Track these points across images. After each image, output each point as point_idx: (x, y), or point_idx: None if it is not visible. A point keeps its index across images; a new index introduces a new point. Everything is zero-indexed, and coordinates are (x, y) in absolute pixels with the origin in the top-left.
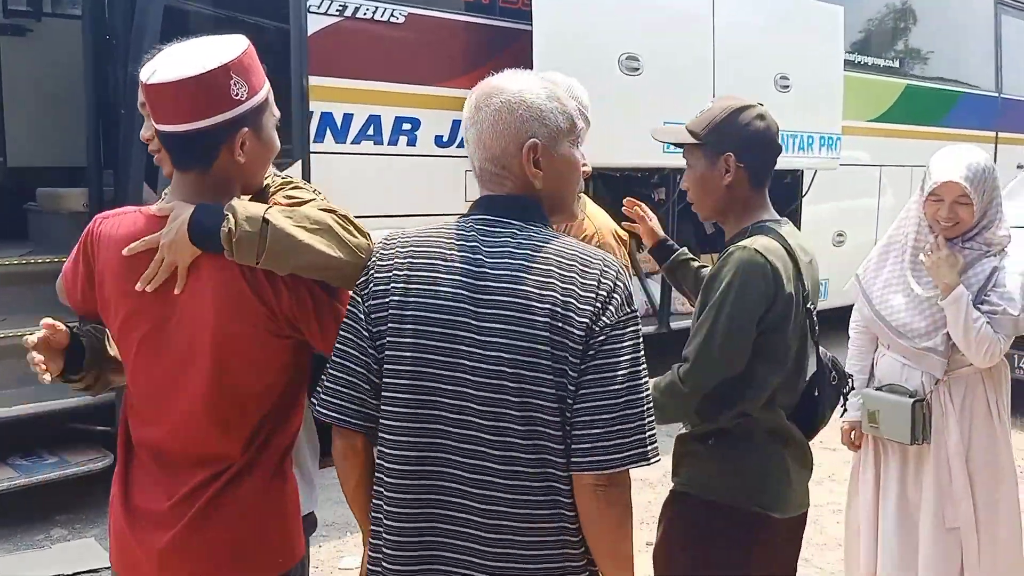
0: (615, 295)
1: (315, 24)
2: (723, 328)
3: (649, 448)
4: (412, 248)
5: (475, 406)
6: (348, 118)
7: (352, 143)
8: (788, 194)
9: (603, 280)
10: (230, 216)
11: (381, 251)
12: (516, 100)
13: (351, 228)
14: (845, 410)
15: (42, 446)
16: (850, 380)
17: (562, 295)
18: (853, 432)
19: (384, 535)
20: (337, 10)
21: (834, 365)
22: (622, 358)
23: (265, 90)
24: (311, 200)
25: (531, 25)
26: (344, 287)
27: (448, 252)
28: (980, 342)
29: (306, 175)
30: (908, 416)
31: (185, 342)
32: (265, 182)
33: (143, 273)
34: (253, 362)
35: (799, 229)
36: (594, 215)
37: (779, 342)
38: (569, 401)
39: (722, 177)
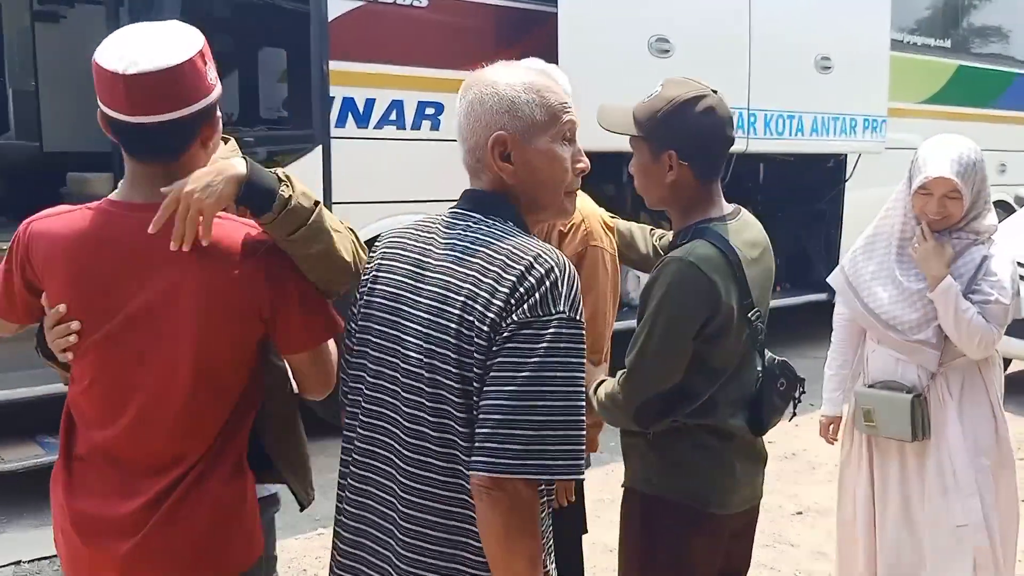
0: (536, 293)
1: (337, 8)
2: (656, 343)
3: (557, 463)
4: (388, 241)
5: (403, 394)
6: (370, 103)
7: (374, 128)
8: (831, 178)
9: (527, 276)
10: (289, 184)
11: (376, 245)
12: (488, 92)
13: (359, 243)
14: (795, 414)
15: None
16: (801, 384)
17: (478, 288)
18: (832, 426)
19: (341, 516)
20: None
21: (783, 371)
22: (529, 359)
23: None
24: None
25: (557, 7)
26: (327, 293)
27: (410, 244)
28: (972, 333)
29: (327, 161)
30: (907, 412)
31: (154, 339)
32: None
33: (101, 268)
34: (233, 356)
35: (841, 215)
36: (580, 201)
37: (716, 354)
38: (475, 398)
39: (665, 173)
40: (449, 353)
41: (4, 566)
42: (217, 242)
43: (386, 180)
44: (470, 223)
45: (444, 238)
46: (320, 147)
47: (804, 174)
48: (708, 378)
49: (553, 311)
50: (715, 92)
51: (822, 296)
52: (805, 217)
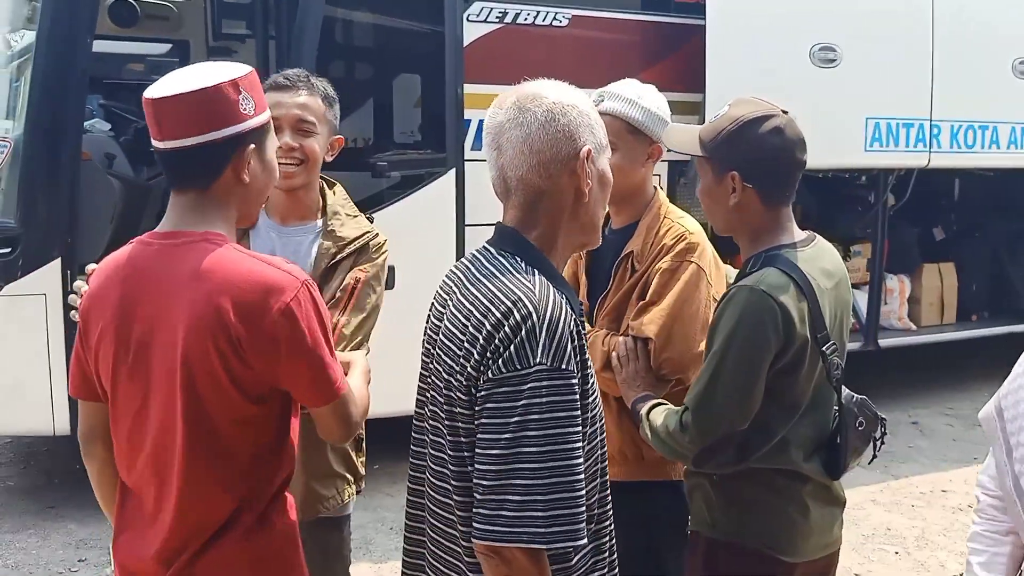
0: (511, 345)
1: (474, 32)
2: (728, 377)
3: (550, 530)
4: (445, 275)
5: (427, 435)
6: None
7: None
8: None
9: (503, 325)
10: None
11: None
12: (568, 104)
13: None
14: (875, 456)
15: None
16: (882, 423)
17: (464, 336)
18: None
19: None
20: (497, 17)
21: (861, 409)
22: (509, 420)
23: (268, 114)
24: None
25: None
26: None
27: (447, 282)
28: None
29: (460, 183)
30: None
31: (154, 371)
32: (367, 235)
33: (127, 296)
34: (224, 401)
35: None
36: (681, 216)
37: (789, 389)
38: (466, 452)
39: (728, 196)
40: (443, 404)
41: None
42: (231, 278)
43: None
44: (484, 259)
45: (463, 276)
46: (453, 170)
47: (1007, 190)
48: (781, 416)
49: (531, 364)
50: (785, 112)
51: None
52: (1008, 238)
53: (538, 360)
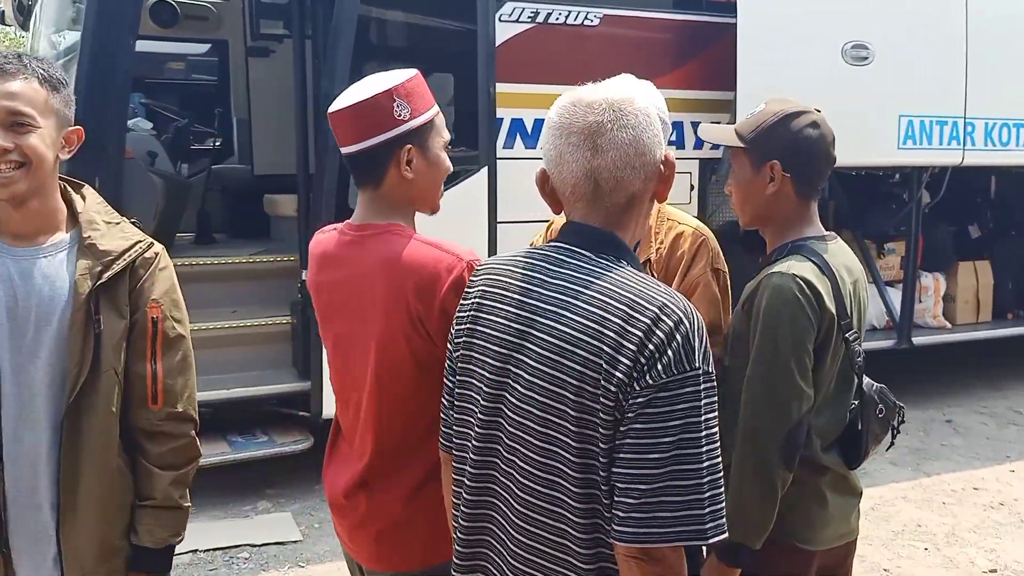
0: (668, 350)
1: (505, 32)
2: (784, 364)
3: (707, 526)
4: (488, 275)
5: (508, 443)
6: (539, 123)
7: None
8: None
9: (655, 330)
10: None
11: (472, 278)
12: (651, 107)
13: None
14: (892, 443)
15: (256, 425)
16: (900, 411)
17: (601, 341)
18: None
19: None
20: (528, 17)
21: (881, 397)
22: (670, 423)
23: (431, 113)
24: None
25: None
26: None
27: (513, 282)
28: None
29: (492, 181)
30: None
31: (357, 339)
32: (139, 246)
33: (329, 277)
34: (403, 365)
35: None
36: (681, 215)
37: (816, 368)
38: (601, 459)
39: (766, 186)
40: (568, 410)
41: (182, 553)
42: (409, 264)
43: None
44: (580, 262)
45: (552, 277)
46: (486, 168)
47: None
48: None
49: (689, 369)
50: (818, 111)
51: None
52: None
53: (697, 365)
